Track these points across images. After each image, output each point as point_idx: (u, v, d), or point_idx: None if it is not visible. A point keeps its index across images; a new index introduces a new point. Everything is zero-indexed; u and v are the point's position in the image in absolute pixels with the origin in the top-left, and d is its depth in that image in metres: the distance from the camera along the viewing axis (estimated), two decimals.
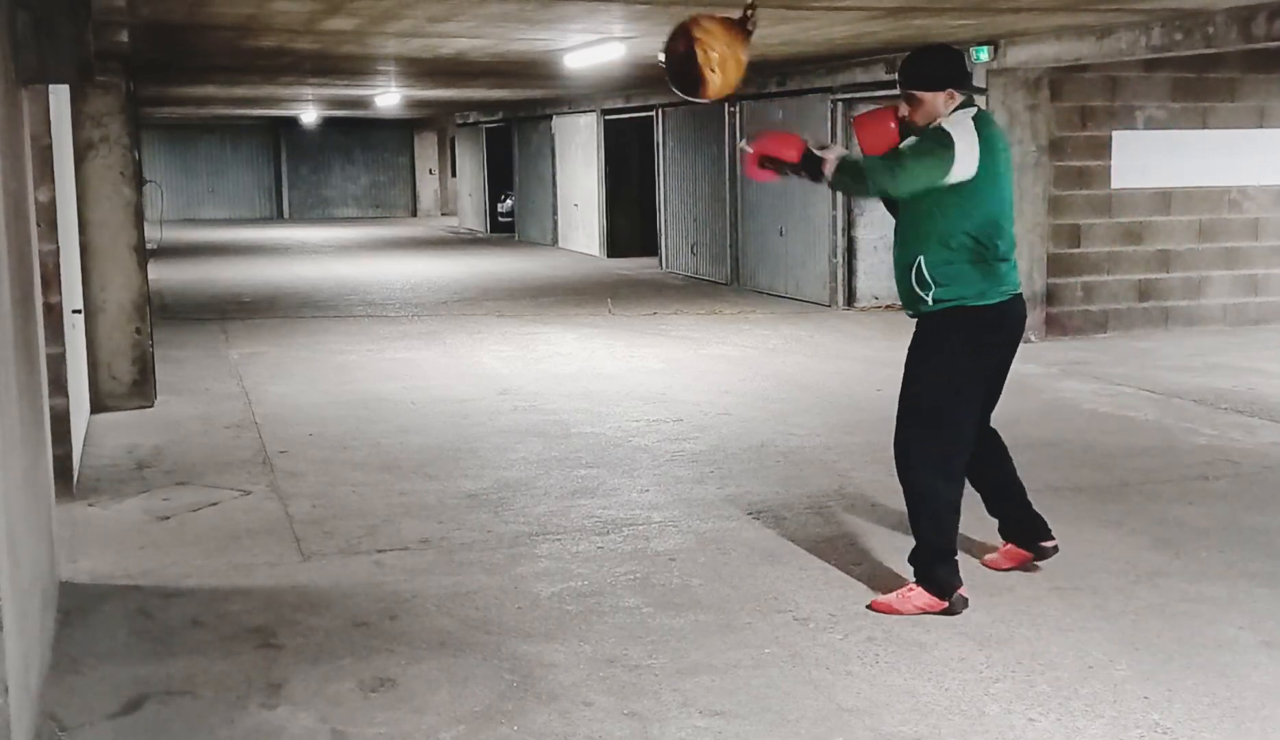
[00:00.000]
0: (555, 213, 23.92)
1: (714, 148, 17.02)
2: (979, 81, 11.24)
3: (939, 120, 4.66)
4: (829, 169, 4.62)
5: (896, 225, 4.89)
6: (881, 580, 5.14)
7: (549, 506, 6.33)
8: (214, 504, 6.43)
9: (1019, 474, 5.20)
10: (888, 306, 14.26)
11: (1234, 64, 11.75)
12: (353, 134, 34.24)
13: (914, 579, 4.83)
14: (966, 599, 4.76)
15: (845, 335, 12.16)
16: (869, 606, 4.81)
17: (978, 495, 5.16)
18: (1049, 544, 5.14)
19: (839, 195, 14.13)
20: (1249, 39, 8.83)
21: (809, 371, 10.16)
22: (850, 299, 14.30)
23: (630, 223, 21.41)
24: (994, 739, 3.80)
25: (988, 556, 5.28)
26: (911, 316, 4.83)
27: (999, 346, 4.81)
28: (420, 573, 5.34)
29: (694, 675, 4.26)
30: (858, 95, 13.71)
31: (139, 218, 8.94)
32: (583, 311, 14.10)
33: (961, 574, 4.82)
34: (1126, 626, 4.63)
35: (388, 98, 20.97)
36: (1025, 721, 3.90)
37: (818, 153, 4.67)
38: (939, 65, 4.76)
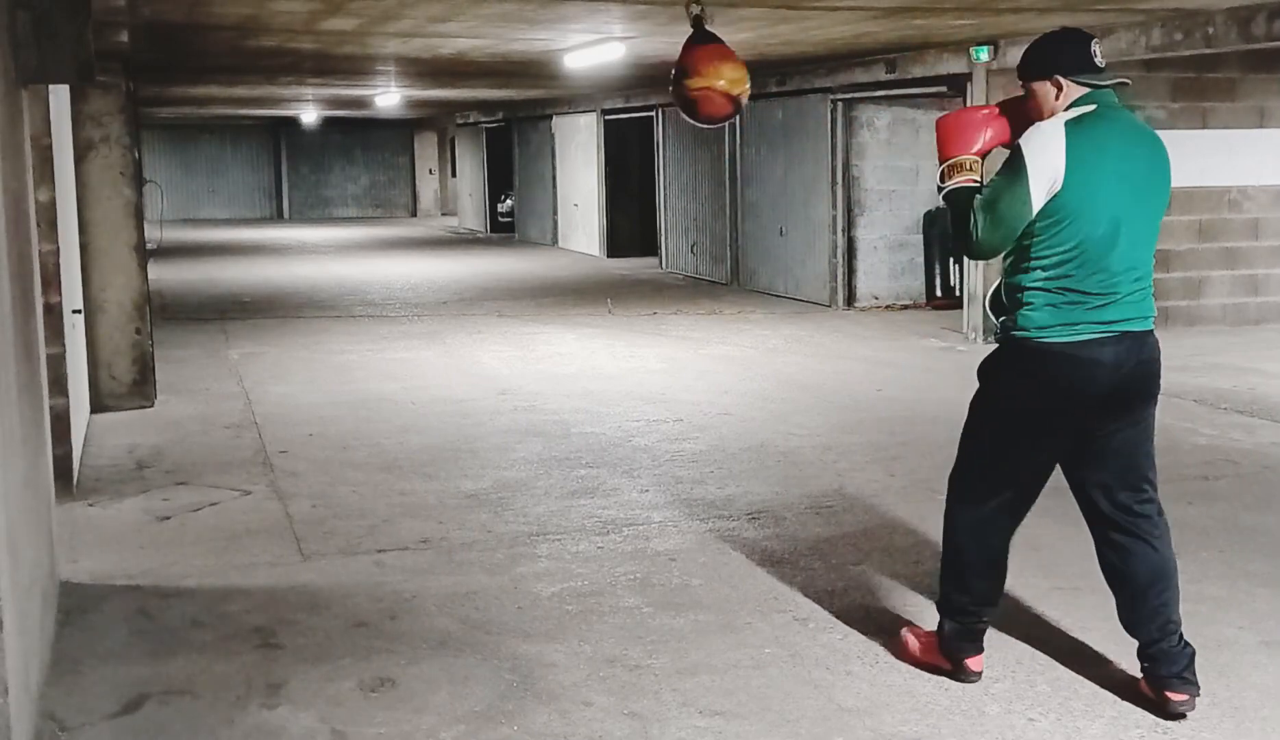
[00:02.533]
0: (555, 213, 23.92)
1: (714, 148, 17.02)
2: (979, 81, 11.25)
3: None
4: (940, 196, 4.04)
5: None
6: (882, 579, 5.14)
7: (549, 506, 6.33)
8: (214, 504, 6.43)
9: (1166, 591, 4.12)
10: (888, 306, 14.27)
11: (1234, 64, 11.75)
12: (353, 134, 34.24)
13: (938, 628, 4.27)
14: (979, 674, 4.16)
15: (845, 335, 12.16)
16: (903, 633, 4.41)
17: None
18: (1179, 698, 3.91)
19: (839, 195, 14.15)
20: (1249, 39, 8.83)
21: (809, 371, 10.16)
22: (850, 299, 14.30)
23: (630, 223, 21.41)
24: (994, 739, 3.80)
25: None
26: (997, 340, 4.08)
27: (1083, 398, 3.85)
28: (420, 573, 5.34)
29: (694, 675, 4.26)
30: (858, 95, 13.72)
31: (139, 218, 8.94)
32: (583, 311, 14.10)
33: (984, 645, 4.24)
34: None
35: (388, 98, 20.97)
36: (1025, 721, 3.90)
37: (940, 177, 4.03)
38: (1043, 49, 4.00)
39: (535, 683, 4.22)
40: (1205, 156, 11.95)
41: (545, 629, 4.70)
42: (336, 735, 3.87)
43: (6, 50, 4.29)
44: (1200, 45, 9.20)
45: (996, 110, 4.13)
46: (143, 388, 8.89)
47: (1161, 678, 3.94)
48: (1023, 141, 3.85)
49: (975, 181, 3.96)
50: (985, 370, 4.08)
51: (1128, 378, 3.86)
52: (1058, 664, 4.31)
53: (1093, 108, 3.93)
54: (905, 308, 14.19)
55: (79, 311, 7.91)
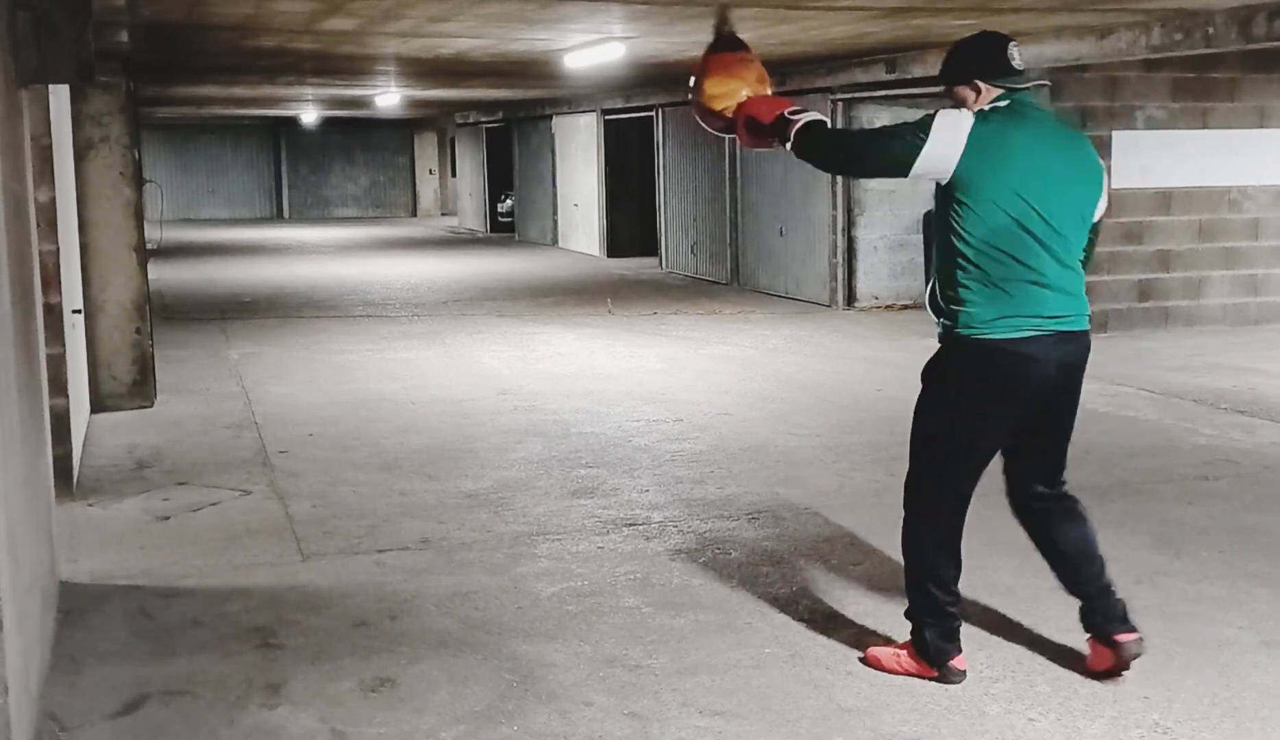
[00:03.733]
0: (555, 213, 23.93)
1: (714, 148, 17.02)
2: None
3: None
4: (792, 131, 4.12)
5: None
6: (882, 580, 5.14)
7: (549, 506, 6.33)
8: (214, 504, 6.43)
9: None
10: (888, 306, 14.27)
11: (1234, 64, 11.75)
12: (353, 134, 34.25)
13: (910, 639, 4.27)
14: (963, 672, 4.17)
15: (845, 335, 12.16)
16: (861, 658, 4.34)
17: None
18: (1127, 638, 4.14)
19: (839, 194, 14.15)
20: (1249, 39, 8.83)
21: (809, 371, 10.16)
22: (850, 299, 14.30)
23: (630, 223, 21.41)
24: (994, 739, 3.80)
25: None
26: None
27: (1019, 392, 4.00)
28: (420, 573, 5.34)
29: (694, 675, 4.26)
30: (858, 95, 13.72)
31: (139, 218, 8.94)
32: (583, 311, 14.11)
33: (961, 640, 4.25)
34: (1127, 627, 4.62)
35: (388, 98, 20.97)
36: (1025, 721, 3.90)
37: (789, 115, 4.15)
38: (961, 56, 4.10)
39: (535, 683, 4.22)
40: (1205, 156, 11.95)
41: (545, 629, 4.70)
42: (336, 735, 3.87)
43: (6, 50, 4.29)
44: (1200, 45, 9.19)
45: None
46: (143, 388, 8.89)
47: (1110, 627, 4.15)
48: (940, 112, 3.95)
49: (805, 117, 4.14)
50: (932, 373, 4.20)
51: (1061, 376, 4.02)
52: (1058, 664, 4.31)
53: (1005, 103, 4.00)
54: (905, 308, 14.19)
55: (79, 311, 7.91)
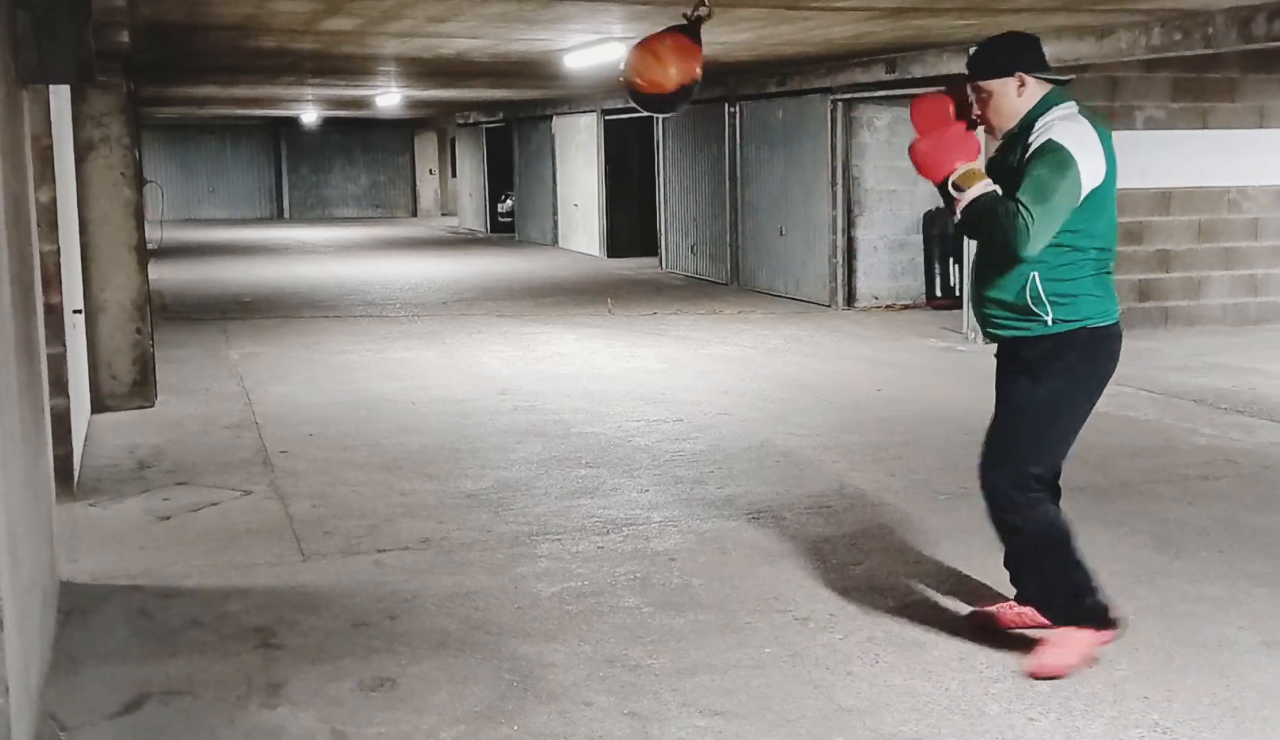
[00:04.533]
0: (555, 213, 23.93)
1: (714, 148, 17.02)
2: None
3: (1041, 127, 4.04)
4: (959, 208, 4.07)
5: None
6: (882, 580, 5.14)
7: (549, 506, 6.33)
8: (214, 504, 6.43)
9: None
10: (888, 306, 14.27)
11: (1234, 64, 11.76)
12: (353, 134, 34.26)
13: (1057, 627, 4.25)
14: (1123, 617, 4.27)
15: (845, 335, 12.16)
16: (1030, 674, 4.18)
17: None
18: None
19: (839, 194, 14.15)
20: (1249, 39, 8.83)
21: (809, 371, 10.16)
22: (850, 299, 14.30)
23: (630, 223, 21.41)
24: (994, 739, 3.80)
25: (996, 608, 4.60)
26: (1005, 338, 4.21)
27: (1107, 375, 4.24)
28: (420, 573, 5.35)
29: (694, 675, 4.27)
30: (858, 95, 13.72)
31: (139, 218, 8.94)
32: (583, 311, 14.11)
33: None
34: (1126, 626, 4.63)
35: (388, 98, 20.98)
36: (1025, 721, 3.90)
37: (954, 191, 4.07)
38: (1004, 48, 4.14)
39: (535, 683, 4.22)
40: (1205, 156, 11.95)
41: (545, 629, 4.70)
42: (336, 735, 3.87)
43: (6, 50, 4.29)
44: (1200, 45, 9.19)
45: (953, 100, 4.24)
46: (143, 388, 8.89)
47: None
48: (1058, 137, 3.96)
49: (991, 185, 4.05)
50: (1037, 367, 4.13)
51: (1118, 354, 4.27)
52: None
53: (1073, 104, 4.11)
54: (905, 308, 14.20)
55: (79, 311, 7.91)
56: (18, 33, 4.55)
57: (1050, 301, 4.07)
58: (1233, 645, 4.46)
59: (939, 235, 13.81)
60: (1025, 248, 3.94)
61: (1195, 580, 5.11)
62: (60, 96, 7.28)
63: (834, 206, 14.20)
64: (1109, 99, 11.52)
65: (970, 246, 11.57)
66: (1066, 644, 4.19)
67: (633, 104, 5.35)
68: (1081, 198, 3.97)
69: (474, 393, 9.33)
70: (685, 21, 5.20)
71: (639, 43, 5.23)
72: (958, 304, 12.53)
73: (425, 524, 6.05)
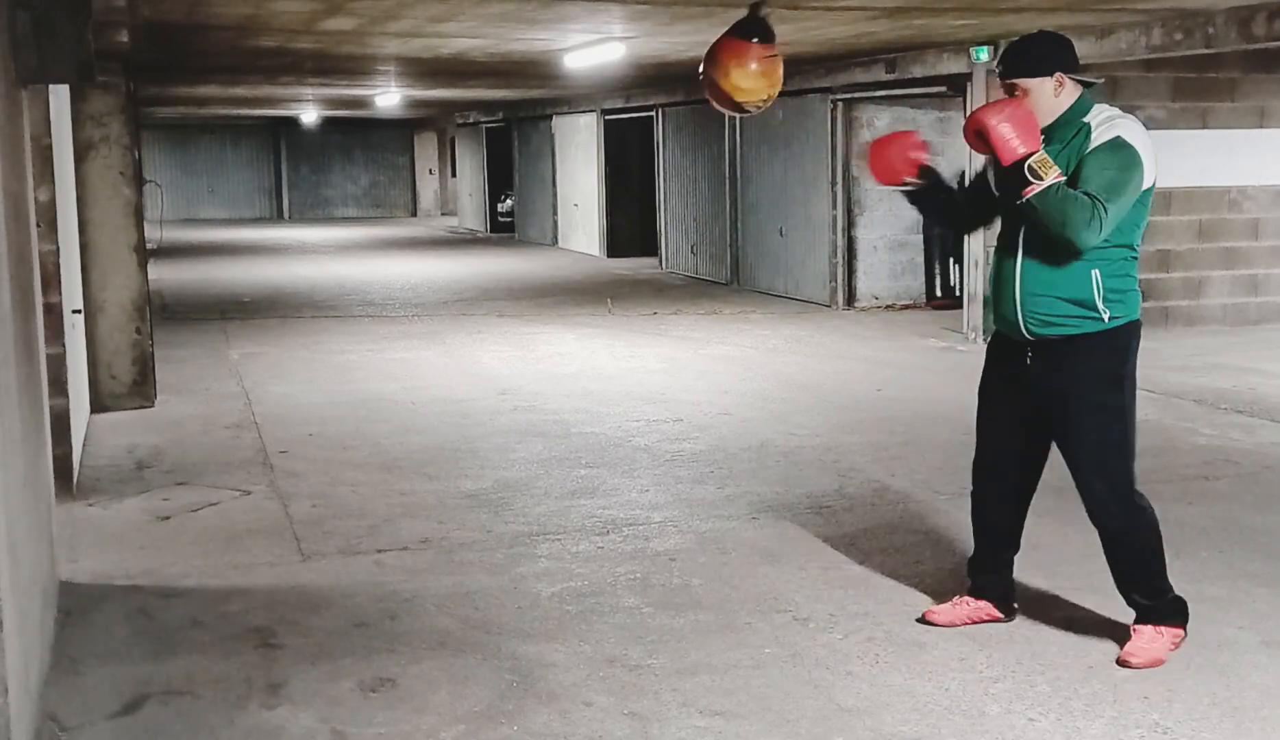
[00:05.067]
0: (555, 213, 23.93)
1: (714, 148, 17.02)
2: (979, 82, 11.25)
3: (1101, 124, 4.09)
4: (1032, 193, 4.01)
5: (1019, 229, 4.21)
6: (881, 580, 5.14)
7: (549, 506, 6.33)
8: (214, 504, 6.43)
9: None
10: (888, 306, 14.27)
11: (1234, 64, 11.75)
12: (353, 134, 34.25)
13: (1151, 625, 4.34)
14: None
15: (845, 335, 12.16)
16: (1119, 662, 4.28)
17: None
18: (1006, 613, 4.65)
19: (839, 194, 14.15)
20: (1249, 39, 8.83)
21: (809, 371, 10.16)
22: (850, 299, 14.30)
23: (630, 223, 21.41)
24: (994, 739, 3.80)
25: (951, 603, 4.68)
26: (1051, 337, 4.19)
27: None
28: (420, 573, 5.34)
29: (694, 675, 4.26)
30: (858, 95, 13.72)
31: (139, 218, 8.94)
32: (583, 311, 14.11)
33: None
34: (1126, 626, 4.62)
35: (388, 98, 20.97)
36: (1025, 721, 3.90)
37: (1029, 173, 4.01)
38: (1044, 47, 4.17)
39: (535, 683, 4.22)
40: (1205, 156, 11.95)
41: (545, 629, 4.70)
42: (336, 735, 3.87)
43: (6, 50, 4.29)
44: (1200, 45, 9.19)
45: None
46: (143, 388, 8.89)
47: (1008, 600, 4.64)
48: (1126, 135, 4.04)
49: (1061, 175, 4.05)
50: (1098, 367, 4.20)
51: None
52: (1058, 664, 4.31)
53: (1107, 104, 4.21)
54: (905, 308, 14.19)
55: (79, 311, 7.91)
56: (18, 33, 4.55)
57: (1108, 299, 4.13)
58: (1233, 645, 4.46)
59: (939, 235, 13.80)
60: (1091, 241, 4.01)
61: (1195, 580, 5.11)
62: (60, 96, 7.28)
63: (834, 206, 14.20)
64: (1109, 99, 11.49)
65: (972, 245, 11.57)
66: (1161, 637, 4.32)
67: (729, 112, 5.40)
68: (1137, 197, 4.06)
69: (474, 393, 9.33)
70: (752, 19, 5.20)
71: (753, 64, 5.24)
72: (958, 304, 12.52)
73: (425, 524, 6.05)
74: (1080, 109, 4.16)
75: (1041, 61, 4.12)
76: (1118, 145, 4.01)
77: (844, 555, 5.50)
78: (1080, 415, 4.22)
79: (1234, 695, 4.06)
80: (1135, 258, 4.20)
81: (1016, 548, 4.65)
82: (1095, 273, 4.09)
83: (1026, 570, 5.12)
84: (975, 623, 4.59)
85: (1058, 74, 4.10)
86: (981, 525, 4.62)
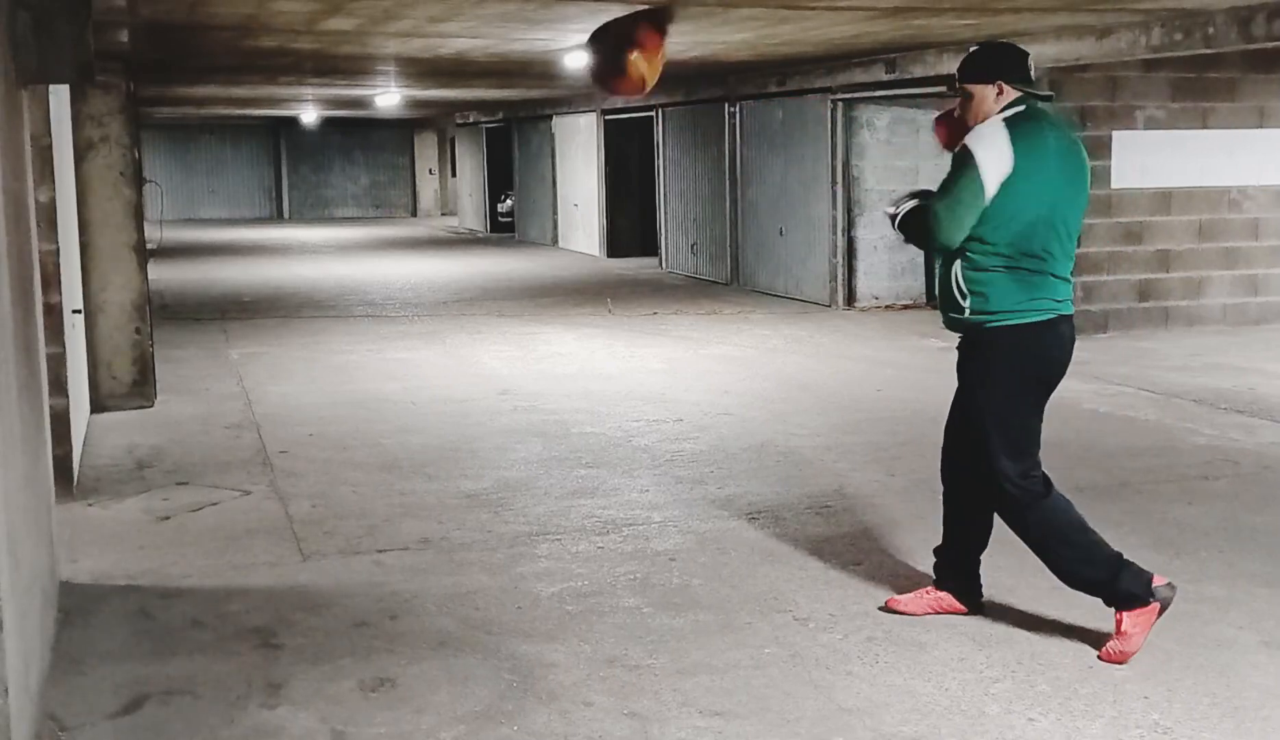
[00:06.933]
0: (555, 213, 23.93)
1: (714, 148, 17.03)
2: None
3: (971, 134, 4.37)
4: (896, 224, 4.53)
5: None
6: (882, 580, 5.14)
7: (549, 506, 6.33)
8: (214, 504, 6.43)
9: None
10: (888, 306, 14.27)
11: (1234, 64, 11.75)
12: (353, 134, 34.26)
13: (1114, 610, 4.38)
14: (1170, 584, 4.40)
15: (845, 335, 12.16)
16: (1101, 657, 4.33)
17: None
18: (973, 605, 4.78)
19: (839, 194, 14.16)
20: (1249, 39, 8.83)
21: (809, 372, 10.16)
22: (850, 299, 14.30)
23: (630, 223, 21.42)
24: (994, 739, 3.80)
25: (907, 598, 4.82)
26: (946, 327, 4.53)
27: (1042, 371, 4.40)
28: (420, 573, 5.34)
29: (694, 675, 4.27)
30: (858, 95, 13.72)
31: (139, 218, 8.94)
32: (583, 311, 14.11)
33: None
34: None
35: (388, 98, 20.97)
36: (1025, 721, 3.90)
37: (890, 209, 4.55)
38: (988, 57, 4.47)
39: (535, 683, 4.22)
40: (1205, 156, 11.95)
41: (545, 629, 4.70)
42: (336, 735, 3.87)
43: (6, 50, 4.29)
44: (1200, 45, 9.20)
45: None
46: (143, 388, 8.89)
47: (974, 595, 4.78)
48: (969, 142, 4.30)
49: (905, 207, 4.49)
50: (970, 362, 4.48)
51: (1066, 352, 4.41)
52: (1058, 664, 4.31)
53: (1023, 108, 4.38)
54: (905, 308, 14.20)
55: (79, 311, 7.91)
56: (18, 33, 4.55)
57: (969, 292, 4.35)
58: (1233, 645, 4.46)
59: None
60: (943, 240, 4.32)
61: (1195, 580, 5.11)
62: (60, 96, 7.28)
63: (834, 206, 14.20)
64: (1109, 99, 11.52)
65: None
66: (1127, 633, 4.34)
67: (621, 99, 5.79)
68: (989, 193, 4.21)
69: (474, 393, 9.33)
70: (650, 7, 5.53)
71: (650, 48, 5.48)
72: None
73: (425, 524, 6.05)
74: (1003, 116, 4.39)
75: (984, 68, 4.42)
76: (960, 153, 4.31)
77: (844, 555, 5.50)
78: (964, 403, 4.55)
79: (1234, 695, 4.06)
80: (1007, 256, 4.27)
81: (982, 545, 4.77)
82: (956, 265, 4.37)
83: (1026, 570, 5.11)
84: (937, 613, 4.74)
85: (998, 82, 4.37)
86: (945, 518, 4.80)
